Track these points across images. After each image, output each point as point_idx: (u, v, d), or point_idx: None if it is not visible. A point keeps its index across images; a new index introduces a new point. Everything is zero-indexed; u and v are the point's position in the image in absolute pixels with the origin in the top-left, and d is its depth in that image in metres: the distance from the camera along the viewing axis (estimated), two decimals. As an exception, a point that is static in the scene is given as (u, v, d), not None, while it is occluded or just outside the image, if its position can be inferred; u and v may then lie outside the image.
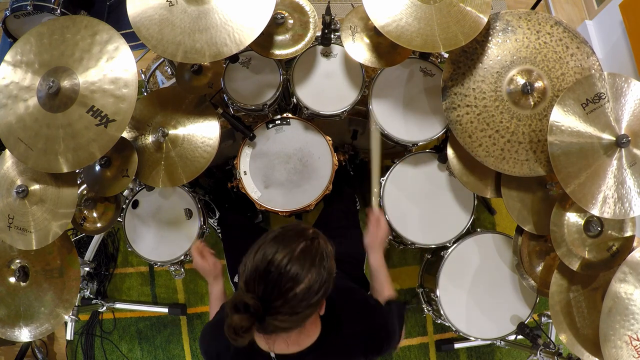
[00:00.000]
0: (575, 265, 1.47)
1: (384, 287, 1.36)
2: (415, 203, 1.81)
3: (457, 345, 2.33)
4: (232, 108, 1.78)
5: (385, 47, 1.60)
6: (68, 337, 2.16)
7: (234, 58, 1.68)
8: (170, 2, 1.37)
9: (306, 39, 1.63)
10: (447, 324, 1.76)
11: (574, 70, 1.48)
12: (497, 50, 1.49)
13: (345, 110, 1.72)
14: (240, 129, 1.68)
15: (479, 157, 1.50)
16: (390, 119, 1.72)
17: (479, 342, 2.19)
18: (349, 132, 2.07)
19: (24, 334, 1.64)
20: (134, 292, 2.45)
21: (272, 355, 1.03)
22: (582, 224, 1.49)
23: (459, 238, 1.78)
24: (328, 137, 1.75)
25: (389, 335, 1.17)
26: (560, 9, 2.88)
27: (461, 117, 1.50)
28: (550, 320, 1.65)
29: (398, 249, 2.04)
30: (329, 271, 0.93)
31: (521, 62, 1.48)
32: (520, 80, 1.46)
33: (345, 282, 1.39)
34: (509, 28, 1.50)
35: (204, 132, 1.59)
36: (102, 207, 1.71)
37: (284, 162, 1.74)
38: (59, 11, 2.24)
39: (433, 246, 1.80)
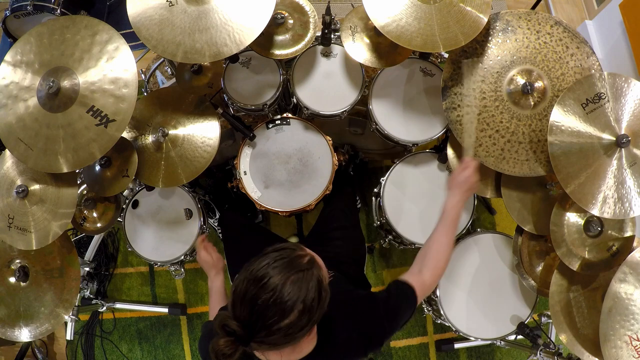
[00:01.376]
0: (575, 265, 1.47)
1: (442, 234, 1.28)
2: (415, 203, 1.81)
3: (457, 345, 2.33)
4: (232, 108, 1.78)
5: (385, 47, 1.60)
6: (68, 337, 2.16)
7: (234, 58, 1.68)
8: (170, 2, 1.37)
9: (306, 39, 1.63)
10: (447, 324, 1.76)
11: (574, 70, 1.48)
12: (497, 50, 1.49)
13: (345, 110, 1.72)
14: (240, 129, 1.68)
15: (479, 157, 1.50)
16: (390, 119, 1.72)
17: (479, 342, 2.19)
18: (349, 132, 2.07)
19: (24, 334, 1.64)
20: (134, 292, 2.45)
21: None
22: (582, 224, 1.49)
23: (459, 238, 1.78)
24: (328, 137, 1.75)
25: (390, 325, 1.14)
26: (560, 9, 2.88)
27: (461, 117, 1.50)
28: (550, 320, 1.65)
29: (398, 249, 2.04)
30: (321, 304, 0.91)
31: (521, 62, 1.48)
32: (520, 80, 1.46)
33: (338, 285, 1.37)
34: (509, 28, 1.50)
35: (204, 132, 1.59)
36: (102, 207, 1.71)
37: (284, 162, 1.74)
38: (59, 11, 2.24)
39: (433, 246, 1.80)
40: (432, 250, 1.26)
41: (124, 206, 1.81)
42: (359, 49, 1.61)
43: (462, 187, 1.33)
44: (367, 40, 1.62)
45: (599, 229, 1.47)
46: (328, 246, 1.64)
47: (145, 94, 2.27)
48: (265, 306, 0.84)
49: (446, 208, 1.32)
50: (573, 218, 1.49)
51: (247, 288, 0.86)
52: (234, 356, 0.84)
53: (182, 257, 1.79)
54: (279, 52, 1.62)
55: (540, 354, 1.66)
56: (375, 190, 1.89)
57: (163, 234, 1.81)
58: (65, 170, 1.37)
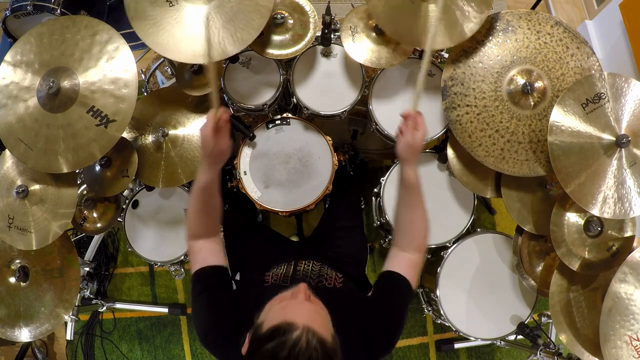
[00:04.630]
0: (575, 265, 1.47)
1: (419, 208, 1.21)
2: (415, 203, 1.80)
3: (457, 345, 2.33)
4: (232, 108, 1.78)
5: (385, 47, 1.60)
6: (68, 337, 2.16)
7: (234, 58, 1.68)
8: (170, 2, 1.37)
9: (306, 39, 1.63)
10: (447, 324, 1.76)
11: (574, 71, 1.48)
12: (497, 50, 1.49)
13: (345, 110, 1.72)
14: (240, 129, 1.68)
15: (478, 157, 1.50)
16: (390, 119, 1.72)
17: (479, 342, 2.19)
18: (349, 132, 2.07)
19: (24, 334, 1.65)
20: (134, 292, 2.45)
21: None
22: (582, 224, 1.49)
23: (459, 238, 1.78)
24: (328, 137, 1.75)
25: (394, 339, 1.14)
26: (560, 9, 2.88)
27: (461, 117, 1.50)
28: (550, 320, 1.65)
29: (398, 249, 2.05)
30: (335, 350, 0.91)
31: (521, 62, 1.48)
32: (520, 80, 1.46)
33: (346, 294, 1.35)
34: (509, 28, 1.50)
35: (204, 132, 1.59)
36: (102, 207, 1.71)
37: (284, 162, 1.74)
38: (59, 11, 2.24)
39: (433, 246, 1.80)
40: (415, 226, 1.24)
41: (124, 206, 1.81)
42: (359, 49, 1.61)
43: (418, 154, 1.21)
44: (367, 40, 1.62)
45: (599, 229, 1.47)
46: (330, 245, 1.64)
47: (145, 94, 2.28)
48: None
49: (413, 180, 1.19)
50: (573, 218, 1.49)
51: None
52: None
53: (182, 257, 1.79)
54: (278, 52, 1.62)
55: (540, 354, 1.67)
56: (375, 190, 1.89)
57: (163, 234, 1.81)
58: (65, 170, 1.37)
